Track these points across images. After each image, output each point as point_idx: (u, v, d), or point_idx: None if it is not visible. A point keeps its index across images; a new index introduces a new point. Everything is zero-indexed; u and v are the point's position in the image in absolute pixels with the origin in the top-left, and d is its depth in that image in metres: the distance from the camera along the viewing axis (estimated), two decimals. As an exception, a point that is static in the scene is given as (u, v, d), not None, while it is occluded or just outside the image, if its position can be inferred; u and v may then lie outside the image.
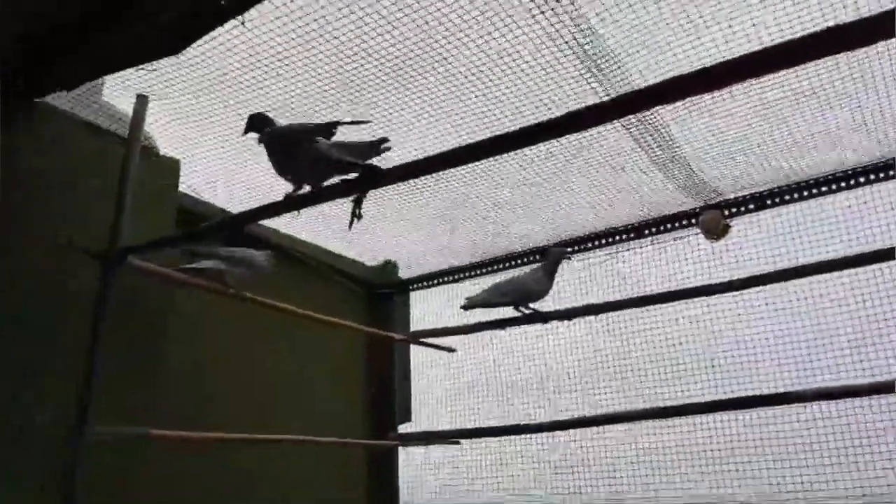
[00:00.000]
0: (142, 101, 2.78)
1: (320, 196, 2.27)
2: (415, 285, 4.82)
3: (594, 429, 3.79)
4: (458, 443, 4.02)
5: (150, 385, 2.93)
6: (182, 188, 3.52)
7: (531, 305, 3.60)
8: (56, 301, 2.70)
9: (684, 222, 3.98)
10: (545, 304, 3.69)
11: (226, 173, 3.81)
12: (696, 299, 3.61)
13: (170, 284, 2.91)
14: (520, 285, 3.59)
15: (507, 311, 3.67)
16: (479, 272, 4.61)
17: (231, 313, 3.54)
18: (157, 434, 2.61)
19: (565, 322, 4.00)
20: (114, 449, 2.68)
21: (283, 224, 4.19)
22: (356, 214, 2.06)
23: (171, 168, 3.36)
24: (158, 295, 3.05)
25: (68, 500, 2.25)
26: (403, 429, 4.60)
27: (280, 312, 3.33)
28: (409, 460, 4.63)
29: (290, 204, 2.30)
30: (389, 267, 4.78)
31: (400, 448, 4.44)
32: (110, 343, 2.51)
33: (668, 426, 3.73)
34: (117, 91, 3.13)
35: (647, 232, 4.13)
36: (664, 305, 3.72)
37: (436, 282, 4.75)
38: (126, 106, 2.98)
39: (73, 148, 2.90)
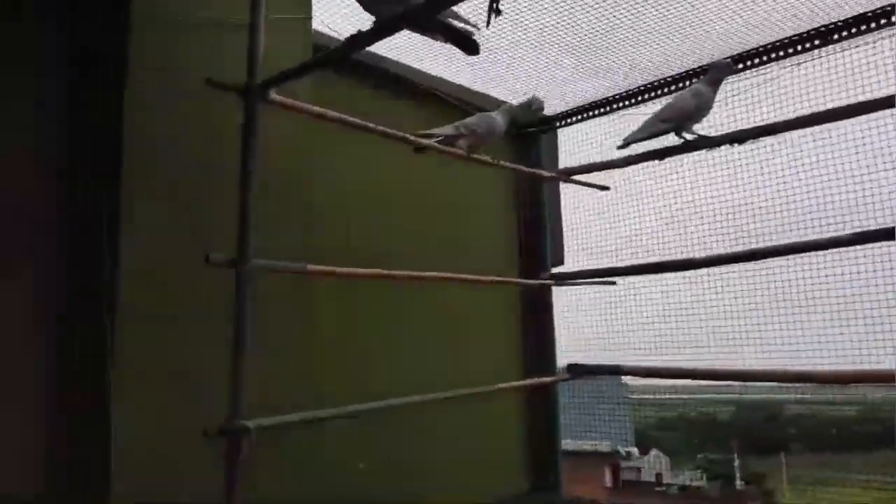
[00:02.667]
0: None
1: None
2: (562, 121, 4.54)
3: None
4: (613, 282, 3.85)
5: (302, 223, 2.97)
6: (316, 25, 3.40)
7: (695, 129, 3.25)
8: (204, 142, 2.73)
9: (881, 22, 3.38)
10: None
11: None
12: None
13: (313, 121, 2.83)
14: (680, 105, 3.24)
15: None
16: (632, 101, 4.24)
17: (375, 152, 3.49)
18: (314, 269, 2.63)
19: (732, 149, 3.63)
20: (277, 290, 2.77)
21: (424, 63, 4.03)
22: (494, 9, 1.82)
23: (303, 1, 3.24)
24: (302, 133, 3.02)
25: (239, 334, 2.32)
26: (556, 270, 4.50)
27: (425, 152, 3.22)
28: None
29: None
30: (534, 103, 4.50)
31: (554, 289, 4.36)
32: (260, 181, 2.50)
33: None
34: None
35: (829, 38, 3.56)
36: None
37: (585, 115, 4.44)
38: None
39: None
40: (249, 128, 2.45)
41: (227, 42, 2.77)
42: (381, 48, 3.77)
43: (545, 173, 3.86)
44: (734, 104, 3.86)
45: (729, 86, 3.75)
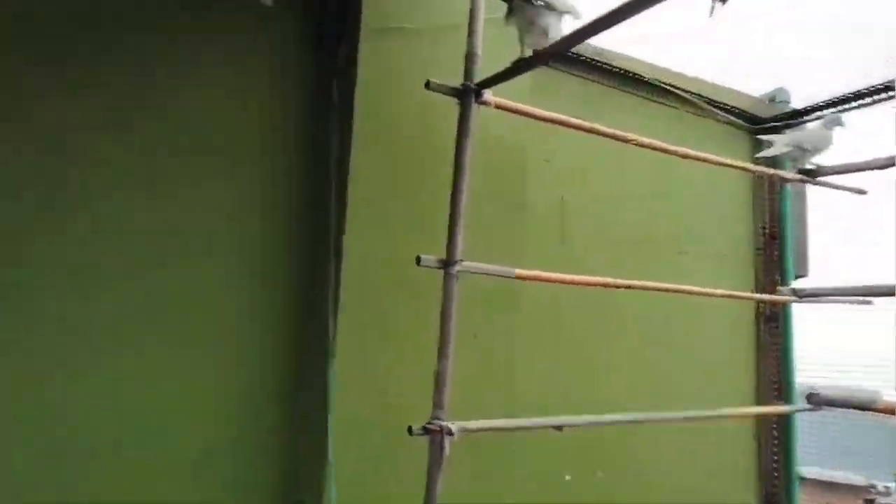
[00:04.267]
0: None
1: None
2: (810, 115, 4.01)
3: None
4: (869, 302, 3.33)
5: (515, 226, 2.93)
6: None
7: None
8: (423, 143, 2.79)
9: None
10: None
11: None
12: None
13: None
14: None
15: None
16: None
17: (593, 153, 3.35)
18: (522, 274, 2.56)
19: None
20: (485, 289, 2.76)
21: (652, 54, 3.81)
22: None
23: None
24: (518, 135, 2.98)
25: (444, 336, 2.33)
26: (798, 285, 4.02)
27: (649, 150, 3.02)
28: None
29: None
30: (778, 96, 4.06)
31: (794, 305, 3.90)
32: (473, 181, 2.49)
33: None
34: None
35: None
36: None
37: (841, 109, 3.88)
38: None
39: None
40: (463, 129, 2.45)
41: (447, 44, 2.80)
42: (607, 41, 3.62)
43: (787, 175, 3.41)
44: None
45: None
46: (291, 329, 2.85)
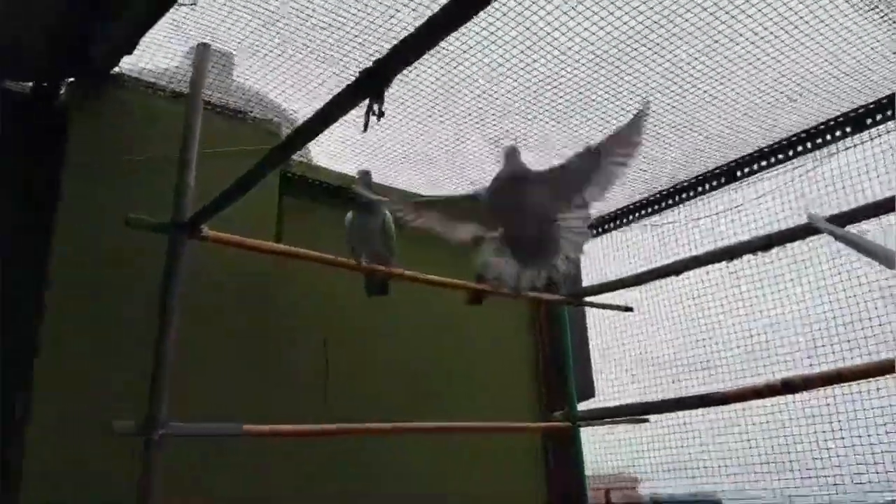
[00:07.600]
0: (203, 49, 2.41)
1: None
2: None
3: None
4: (646, 420, 3.29)
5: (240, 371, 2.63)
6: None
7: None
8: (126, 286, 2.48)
9: None
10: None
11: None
12: None
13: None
14: None
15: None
16: (656, 207, 3.77)
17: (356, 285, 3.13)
18: (253, 430, 2.23)
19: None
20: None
21: (426, 185, 3.74)
22: (373, 112, 1.46)
23: (271, 132, 3.03)
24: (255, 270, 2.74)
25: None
26: (587, 405, 3.93)
27: (424, 284, 2.87)
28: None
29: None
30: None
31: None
32: (194, 324, 2.21)
33: None
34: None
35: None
36: None
37: (606, 227, 3.99)
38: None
39: (149, 116, 2.69)
40: (172, 267, 2.16)
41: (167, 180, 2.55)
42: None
43: (547, 296, 3.34)
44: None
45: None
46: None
